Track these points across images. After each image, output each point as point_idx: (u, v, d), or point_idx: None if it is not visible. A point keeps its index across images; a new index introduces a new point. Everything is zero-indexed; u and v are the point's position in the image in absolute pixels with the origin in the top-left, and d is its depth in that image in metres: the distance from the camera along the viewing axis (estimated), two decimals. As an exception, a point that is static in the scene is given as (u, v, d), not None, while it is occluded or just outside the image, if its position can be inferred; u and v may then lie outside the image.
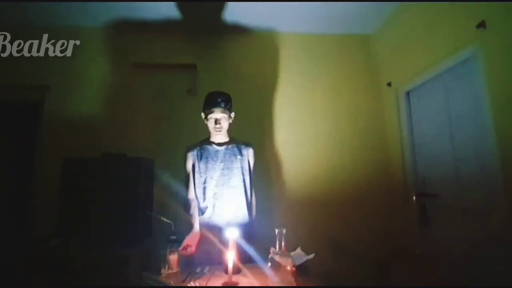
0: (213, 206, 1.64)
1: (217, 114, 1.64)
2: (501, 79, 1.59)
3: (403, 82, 2.48)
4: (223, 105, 1.64)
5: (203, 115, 1.72)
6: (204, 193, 1.66)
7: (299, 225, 2.43)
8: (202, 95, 2.65)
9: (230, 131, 1.77)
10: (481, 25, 1.66)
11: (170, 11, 2.45)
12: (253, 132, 2.52)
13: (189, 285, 1.19)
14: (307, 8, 2.44)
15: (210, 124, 1.68)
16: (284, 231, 1.21)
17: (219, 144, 1.71)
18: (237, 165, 1.69)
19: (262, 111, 2.71)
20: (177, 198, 2.35)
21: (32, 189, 2.42)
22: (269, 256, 1.20)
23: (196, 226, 1.60)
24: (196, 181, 1.67)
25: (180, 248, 1.39)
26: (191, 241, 1.52)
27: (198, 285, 1.19)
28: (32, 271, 1.88)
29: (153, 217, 2.25)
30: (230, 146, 1.72)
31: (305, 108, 2.74)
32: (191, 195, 1.69)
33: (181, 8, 2.42)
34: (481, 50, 1.70)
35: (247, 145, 1.77)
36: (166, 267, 1.28)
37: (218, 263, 1.39)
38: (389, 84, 2.64)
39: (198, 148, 1.71)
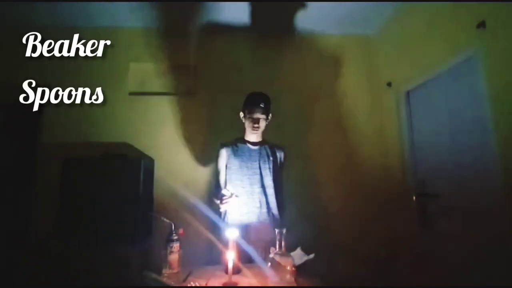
0: (245, 204, 1.64)
1: (257, 114, 1.66)
2: (501, 79, 1.59)
3: (403, 82, 2.48)
4: (263, 106, 1.66)
5: (241, 114, 1.74)
6: (236, 191, 1.65)
7: (299, 225, 2.42)
8: (202, 95, 2.71)
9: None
10: (481, 25, 1.66)
11: (171, 11, 2.45)
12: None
13: (189, 285, 1.19)
14: (307, 9, 2.44)
15: (249, 123, 1.69)
16: (284, 231, 1.21)
17: (254, 144, 1.73)
18: (269, 165, 1.70)
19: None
20: (178, 198, 2.38)
21: (32, 189, 2.42)
22: (269, 256, 1.20)
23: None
24: (227, 177, 1.69)
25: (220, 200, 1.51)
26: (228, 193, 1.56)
27: (198, 285, 1.19)
28: (32, 271, 1.88)
29: (153, 217, 2.25)
30: (263, 146, 1.74)
31: (304, 108, 2.74)
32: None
33: (180, 8, 2.42)
34: (481, 50, 1.70)
35: (280, 147, 1.81)
36: (167, 267, 1.28)
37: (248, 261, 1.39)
38: (389, 84, 2.63)
39: (233, 145, 1.72)
